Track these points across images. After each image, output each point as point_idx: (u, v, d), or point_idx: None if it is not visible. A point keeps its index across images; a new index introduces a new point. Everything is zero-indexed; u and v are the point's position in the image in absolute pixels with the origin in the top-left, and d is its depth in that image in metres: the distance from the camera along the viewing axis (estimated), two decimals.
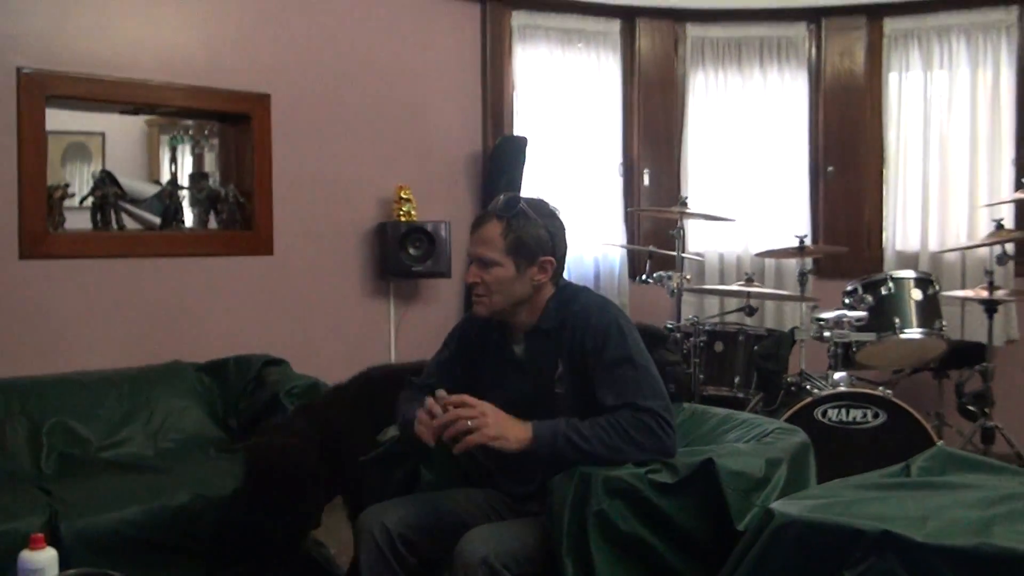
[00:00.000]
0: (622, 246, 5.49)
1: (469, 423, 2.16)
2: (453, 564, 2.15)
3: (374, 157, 4.80)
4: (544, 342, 2.37)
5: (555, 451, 2.17)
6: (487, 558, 2.09)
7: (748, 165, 5.64)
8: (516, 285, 2.34)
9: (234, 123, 4.47)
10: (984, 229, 5.00)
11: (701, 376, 4.43)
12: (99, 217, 4.05)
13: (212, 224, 4.38)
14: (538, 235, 2.35)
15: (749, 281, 4.67)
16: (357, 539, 2.35)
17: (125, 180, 4.16)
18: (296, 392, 3.55)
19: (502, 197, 2.40)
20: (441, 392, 2.24)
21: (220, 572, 3.17)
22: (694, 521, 2.10)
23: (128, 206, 4.17)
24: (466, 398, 2.21)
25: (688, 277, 4.75)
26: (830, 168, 5.54)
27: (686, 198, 4.92)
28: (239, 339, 4.21)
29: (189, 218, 4.38)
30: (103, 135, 4.22)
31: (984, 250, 4.82)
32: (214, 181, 4.45)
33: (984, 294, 4.37)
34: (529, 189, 5.05)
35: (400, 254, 4.67)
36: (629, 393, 2.19)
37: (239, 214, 4.40)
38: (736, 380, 4.45)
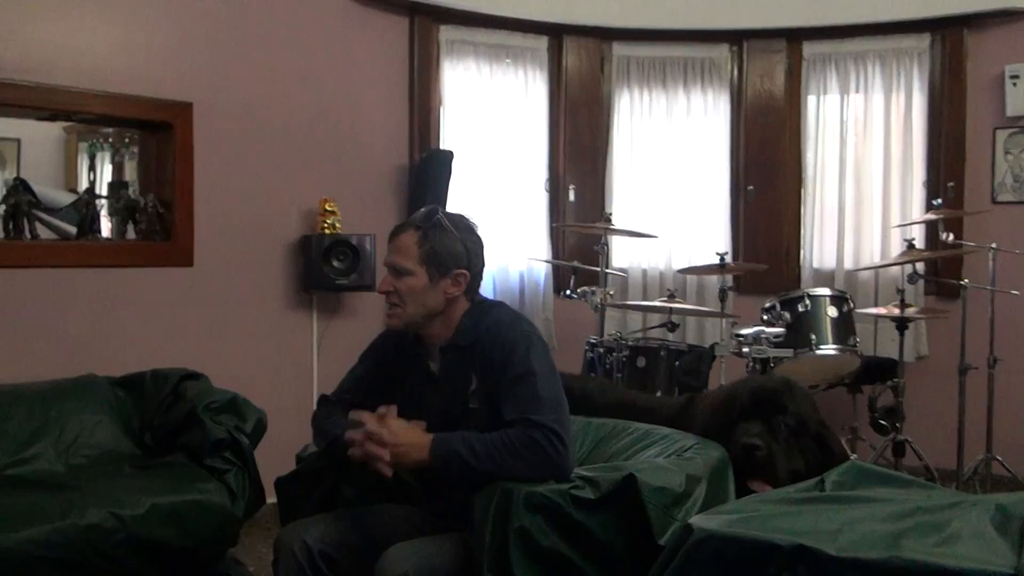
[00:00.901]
0: (547, 261, 5.52)
1: (376, 450, 2.20)
2: None
3: (298, 169, 4.75)
4: (459, 358, 2.38)
5: (447, 468, 2.19)
6: (407, 574, 2.08)
7: (671, 183, 5.73)
8: (429, 296, 2.35)
9: (155, 132, 4.38)
10: (896, 249, 5.16)
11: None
12: (11, 226, 3.92)
13: (130, 234, 4.28)
14: (454, 248, 2.36)
15: (671, 297, 4.73)
16: (276, 557, 2.32)
17: (40, 188, 4.04)
18: (215, 407, 3.48)
19: (423, 209, 2.42)
20: (365, 416, 2.25)
21: None
22: (615, 536, 2.12)
23: (42, 215, 4.05)
24: (371, 425, 2.23)
25: (611, 292, 4.80)
26: (750, 187, 5.66)
27: (610, 214, 4.98)
28: (156, 353, 4.12)
29: (106, 228, 4.27)
30: (18, 141, 4.10)
31: (896, 269, 4.97)
32: (133, 190, 4.36)
33: (896, 311, 4.50)
34: (455, 203, 5.05)
35: (324, 267, 4.62)
36: (525, 408, 2.20)
37: (158, 224, 4.31)
38: (658, 395, 4.50)
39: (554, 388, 2.26)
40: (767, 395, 2.61)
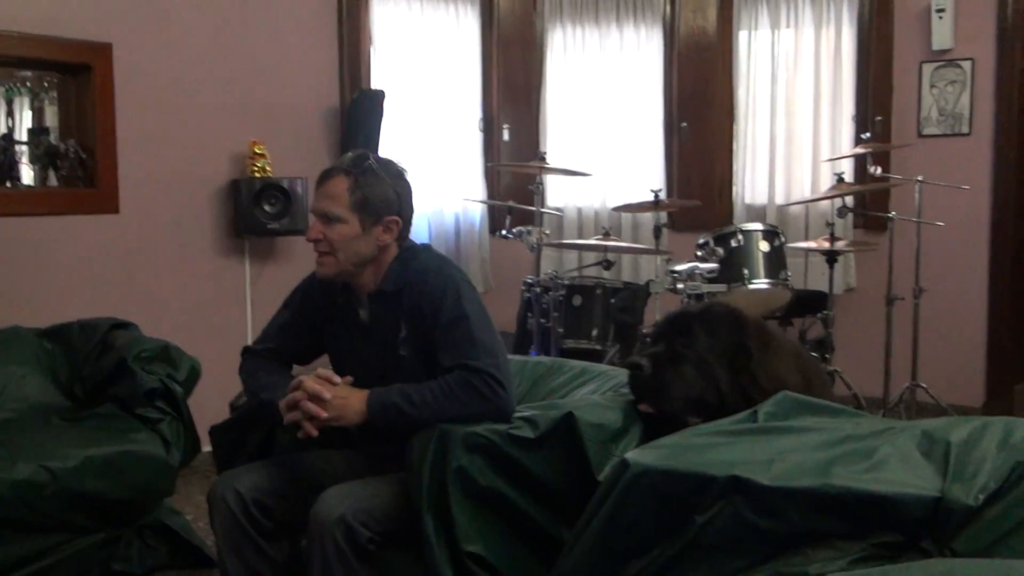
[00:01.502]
0: (482, 201, 5.49)
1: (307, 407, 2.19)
2: (309, 525, 2.13)
3: (225, 111, 4.63)
4: (387, 305, 2.35)
5: (388, 421, 2.18)
6: (344, 517, 2.07)
7: (605, 121, 5.72)
8: (360, 244, 2.31)
9: (74, 74, 4.23)
10: (826, 183, 5.22)
11: (560, 330, 4.49)
12: None
13: (52, 181, 4.15)
14: (385, 194, 2.31)
15: (606, 235, 4.75)
16: (210, 506, 2.30)
17: None
18: (146, 356, 3.41)
19: (350, 153, 2.37)
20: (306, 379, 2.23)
21: (68, 546, 3.06)
22: (554, 474, 2.14)
23: None
24: (309, 384, 2.20)
25: (547, 232, 4.80)
26: (683, 124, 5.67)
27: (545, 153, 4.95)
28: (83, 302, 4.03)
29: (27, 175, 4.13)
30: None
31: (826, 203, 5.04)
32: (54, 136, 4.21)
33: (826, 245, 4.58)
34: (387, 144, 4.98)
35: (255, 211, 4.54)
36: (461, 353, 2.20)
37: (81, 171, 4.18)
38: (594, 333, 4.54)
39: (488, 331, 2.26)
40: (678, 318, 2.49)
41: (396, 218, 2.34)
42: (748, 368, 2.33)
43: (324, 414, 2.18)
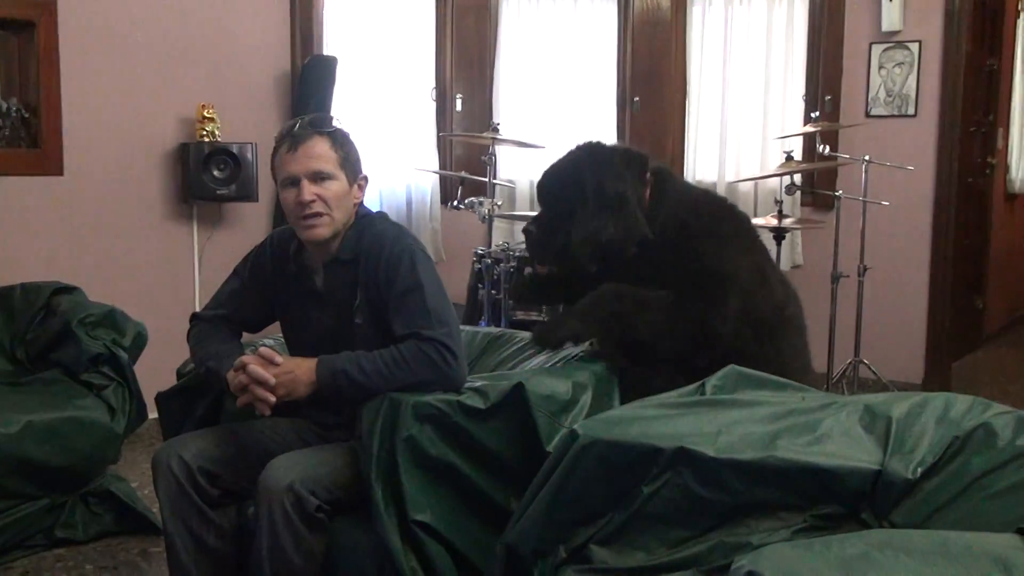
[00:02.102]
0: (434, 172, 5.47)
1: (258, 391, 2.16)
2: (257, 493, 2.12)
3: (174, 72, 4.54)
4: (343, 272, 2.34)
5: (337, 389, 2.18)
6: (292, 485, 2.07)
7: (558, 93, 5.71)
8: (348, 202, 2.31)
9: (17, 31, 4.11)
10: (775, 161, 5.28)
11: (510, 302, 4.50)
12: None
13: None
14: (356, 153, 2.35)
15: None
16: (155, 474, 2.28)
17: None
18: (90, 321, 3.37)
19: (307, 117, 2.34)
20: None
21: (11, 512, 3.02)
22: (504, 444, 2.15)
23: None
24: (253, 370, 2.17)
25: (499, 203, 4.79)
26: (636, 99, 5.69)
27: (498, 124, 4.94)
28: (26, 266, 3.95)
29: None
30: None
31: (775, 180, 5.10)
32: None
33: (774, 222, 4.64)
34: (339, 111, 4.93)
35: (203, 176, 4.46)
36: (414, 322, 2.19)
37: (24, 131, 4.09)
38: (544, 305, 4.55)
39: (442, 301, 2.26)
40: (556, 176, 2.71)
41: (366, 176, 2.38)
42: (629, 208, 2.48)
43: (273, 398, 2.16)
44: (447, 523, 2.10)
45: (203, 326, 2.47)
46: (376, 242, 2.31)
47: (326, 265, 2.36)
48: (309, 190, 2.24)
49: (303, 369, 2.20)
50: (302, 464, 2.15)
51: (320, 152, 2.27)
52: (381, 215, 2.45)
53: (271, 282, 2.45)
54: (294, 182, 2.26)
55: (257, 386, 2.16)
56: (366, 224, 2.36)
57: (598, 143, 2.68)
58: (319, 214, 2.26)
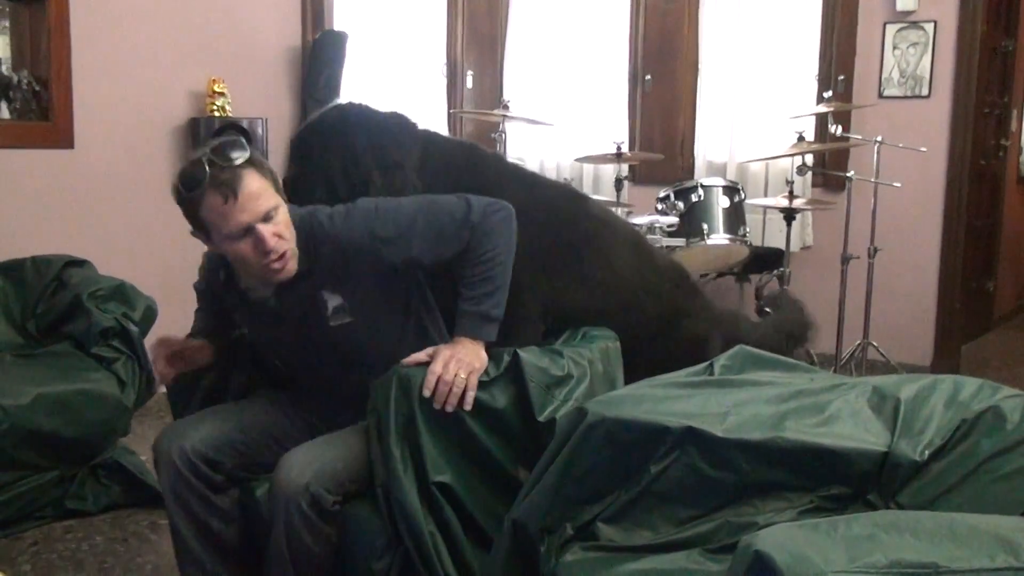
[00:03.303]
0: None
1: (458, 380, 2.07)
2: (273, 492, 2.08)
3: (185, 46, 4.53)
4: (298, 288, 2.16)
5: (491, 323, 2.15)
6: (309, 486, 2.03)
7: (569, 71, 5.69)
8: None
9: (28, 3, 4.10)
10: (787, 141, 5.25)
11: None
12: None
13: (4, 114, 4.05)
14: (266, 159, 2.16)
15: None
16: (156, 463, 2.24)
17: None
18: (101, 295, 3.38)
19: (220, 143, 2.05)
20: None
21: (21, 483, 3.04)
22: (511, 412, 2.15)
23: None
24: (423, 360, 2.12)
25: None
26: (648, 77, 5.66)
27: (508, 101, 4.92)
28: (37, 239, 3.96)
29: None
30: None
31: (786, 161, 5.08)
32: (6, 67, 4.10)
33: (784, 203, 4.62)
34: (350, 87, 4.92)
35: None
36: (456, 225, 2.14)
37: (35, 104, 4.08)
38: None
39: (406, 203, 2.20)
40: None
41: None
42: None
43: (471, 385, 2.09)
44: (463, 487, 2.10)
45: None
46: (328, 241, 2.14)
47: (281, 287, 2.16)
48: (269, 234, 2.01)
49: (462, 348, 2.12)
50: (317, 460, 2.08)
51: (258, 188, 2.01)
52: (303, 215, 2.18)
53: (226, 306, 2.35)
54: (247, 231, 2.01)
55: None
56: (305, 233, 2.14)
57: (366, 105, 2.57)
58: (283, 253, 2.05)
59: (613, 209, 5.11)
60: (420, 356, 2.14)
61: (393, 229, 2.15)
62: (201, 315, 2.41)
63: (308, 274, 2.16)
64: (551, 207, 2.56)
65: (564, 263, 2.51)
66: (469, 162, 2.55)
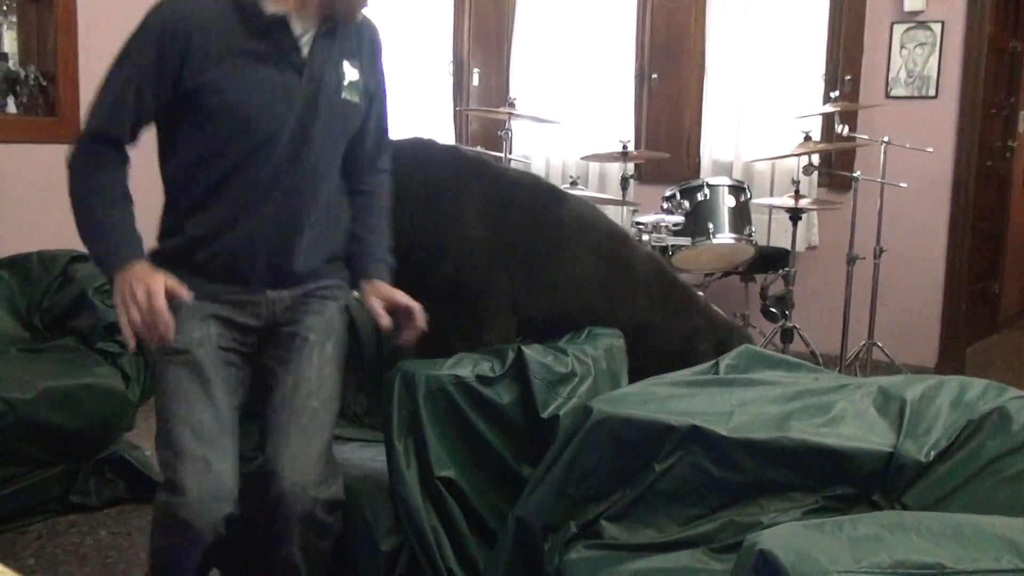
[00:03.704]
0: None
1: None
2: (276, 508, 1.94)
3: None
4: (328, 44, 2.12)
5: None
6: (316, 500, 1.95)
7: (576, 69, 5.68)
8: None
9: None
10: (793, 140, 5.24)
11: None
12: None
13: (11, 108, 4.06)
14: None
15: (573, 184, 4.75)
16: (186, 524, 1.96)
17: None
18: (107, 289, 3.38)
19: None
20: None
21: (26, 478, 3.05)
22: (515, 409, 2.15)
23: None
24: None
25: None
26: (654, 75, 5.65)
27: (514, 99, 4.92)
28: (43, 233, 3.94)
29: None
30: None
31: (792, 160, 5.07)
32: (13, 62, 4.11)
33: (790, 202, 4.61)
34: None
35: None
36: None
37: (41, 98, 4.09)
38: None
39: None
40: None
41: None
42: None
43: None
44: (467, 482, 2.10)
45: (91, 169, 2.06)
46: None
47: (319, 34, 2.01)
48: None
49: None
50: (315, 467, 1.95)
51: None
52: None
53: (207, 54, 2.00)
54: None
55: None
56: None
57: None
58: None
59: (614, 209, 5.11)
60: (400, 299, 2.10)
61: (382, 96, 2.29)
62: (108, 206, 2.05)
63: (333, 35, 2.05)
64: (521, 206, 2.54)
65: (527, 271, 2.46)
66: (417, 156, 2.60)
